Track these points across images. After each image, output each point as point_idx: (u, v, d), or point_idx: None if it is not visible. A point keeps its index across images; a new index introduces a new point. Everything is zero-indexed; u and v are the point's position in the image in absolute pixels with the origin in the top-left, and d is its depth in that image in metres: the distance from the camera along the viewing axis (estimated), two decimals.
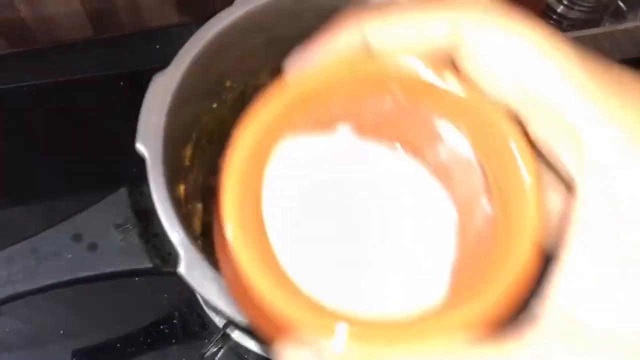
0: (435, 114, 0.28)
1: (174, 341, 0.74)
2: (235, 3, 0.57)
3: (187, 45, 0.56)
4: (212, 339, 0.71)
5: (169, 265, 0.53)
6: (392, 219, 0.29)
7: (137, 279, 0.69)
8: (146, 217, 0.54)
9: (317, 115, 0.28)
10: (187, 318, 0.75)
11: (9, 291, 0.51)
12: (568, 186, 0.26)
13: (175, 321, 0.75)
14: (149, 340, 0.74)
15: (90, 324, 0.76)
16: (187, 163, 0.62)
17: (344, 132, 0.30)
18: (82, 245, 0.52)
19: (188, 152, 0.62)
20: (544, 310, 0.25)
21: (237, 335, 0.72)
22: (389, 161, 0.30)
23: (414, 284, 0.28)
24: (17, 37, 0.89)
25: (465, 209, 0.29)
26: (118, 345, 0.75)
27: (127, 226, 0.53)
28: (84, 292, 0.67)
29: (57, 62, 0.89)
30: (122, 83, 0.87)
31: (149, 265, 0.52)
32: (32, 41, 0.90)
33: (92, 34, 0.93)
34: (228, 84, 0.64)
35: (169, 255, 0.53)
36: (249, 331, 0.66)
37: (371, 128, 0.29)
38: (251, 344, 0.71)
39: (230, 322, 0.65)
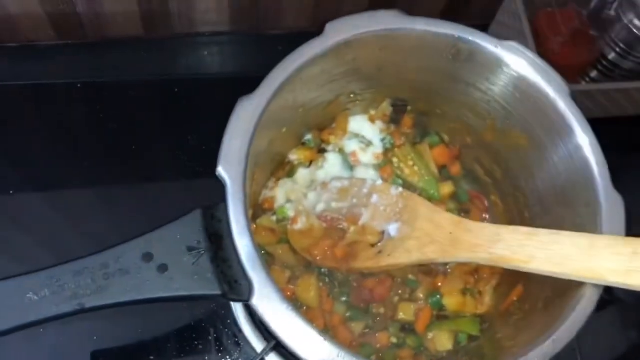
0: None
1: (206, 358, 0.73)
2: (325, 33, 0.56)
3: (275, 71, 0.55)
4: None
5: (235, 293, 0.52)
6: None
7: None
8: (217, 241, 0.53)
9: None
10: (223, 337, 0.74)
11: (74, 306, 0.49)
12: None
13: (210, 337, 0.74)
14: (180, 352, 0.73)
15: (112, 325, 0.74)
16: (252, 187, 0.61)
17: None
18: (152, 265, 0.51)
19: (255, 175, 0.61)
20: None
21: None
22: None
23: None
24: (68, 30, 0.88)
25: None
26: (141, 351, 0.73)
27: (199, 250, 0.52)
28: None
29: (107, 61, 0.88)
30: (176, 89, 0.86)
31: (218, 292, 0.51)
32: (82, 36, 0.89)
33: (142, 34, 0.91)
34: (301, 110, 0.63)
35: (236, 283, 0.52)
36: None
37: None
38: None
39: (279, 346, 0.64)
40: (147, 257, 0.51)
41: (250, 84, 0.86)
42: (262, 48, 0.94)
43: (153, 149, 0.82)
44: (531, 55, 0.59)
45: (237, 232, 0.50)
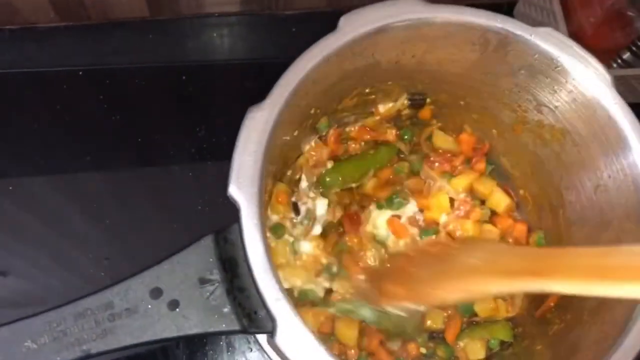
0: None
1: None
2: (339, 28, 0.50)
3: (286, 75, 0.49)
4: None
5: (256, 326, 0.47)
6: None
7: None
8: (232, 267, 0.48)
9: None
10: (234, 341, 0.69)
11: (78, 352, 0.44)
12: None
13: (221, 342, 0.69)
14: (190, 357, 0.69)
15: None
16: (266, 199, 0.56)
17: None
18: (161, 301, 0.46)
19: (269, 187, 0.56)
20: None
21: None
22: None
23: None
24: (70, 11, 0.81)
25: None
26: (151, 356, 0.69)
27: (213, 281, 0.47)
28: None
29: (110, 44, 0.82)
30: (184, 77, 0.80)
31: (237, 327, 0.46)
32: (84, 17, 0.83)
33: (148, 14, 0.85)
34: (313, 110, 0.58)
35: (255, 314, 0.47)
36: None
37: None
38: None
39: None
40: (156, 292, 0.46)
41: (262, 70, 0.80)
42: (275, 29, 0.88)
43: (160, 141, 0.77)
44: (569, 42, 0.53)
45: (254, 261, 0.44)
